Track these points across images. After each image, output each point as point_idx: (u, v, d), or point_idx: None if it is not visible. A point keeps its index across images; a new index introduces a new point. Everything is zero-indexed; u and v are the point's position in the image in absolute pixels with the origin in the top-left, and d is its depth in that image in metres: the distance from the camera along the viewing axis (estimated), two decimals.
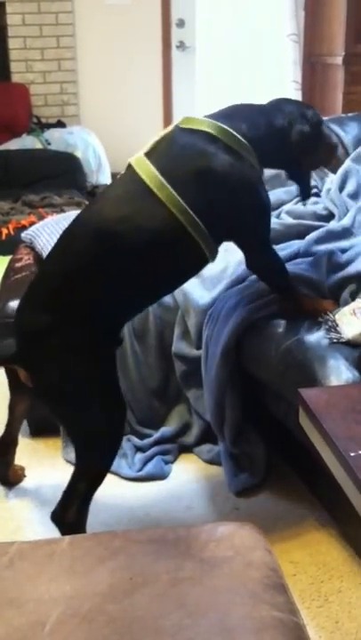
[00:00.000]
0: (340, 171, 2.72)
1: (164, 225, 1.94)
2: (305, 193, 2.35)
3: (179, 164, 2.00)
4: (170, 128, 2.11)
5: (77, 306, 1.95)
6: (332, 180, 2.79)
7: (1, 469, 2.45)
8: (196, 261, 2.07)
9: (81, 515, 2.02)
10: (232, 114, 2.13)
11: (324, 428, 1.15)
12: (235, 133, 2.04)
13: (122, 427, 2.10)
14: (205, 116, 2.10)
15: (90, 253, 1.95)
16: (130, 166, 2.05)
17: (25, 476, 2.51)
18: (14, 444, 2.42)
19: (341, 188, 2.67)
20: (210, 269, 2.38)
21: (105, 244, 1.94)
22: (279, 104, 2.22)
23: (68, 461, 2.57)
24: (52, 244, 2.75)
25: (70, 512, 2.01)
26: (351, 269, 2.28)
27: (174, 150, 2.02)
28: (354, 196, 2.62)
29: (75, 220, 2.08)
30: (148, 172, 1.97)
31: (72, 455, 2.52)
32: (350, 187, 2.64)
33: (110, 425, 2.03)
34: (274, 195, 2.69)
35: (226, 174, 1.99)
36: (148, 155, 2.03)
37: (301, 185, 2.33)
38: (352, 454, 1.07)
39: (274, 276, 2.23)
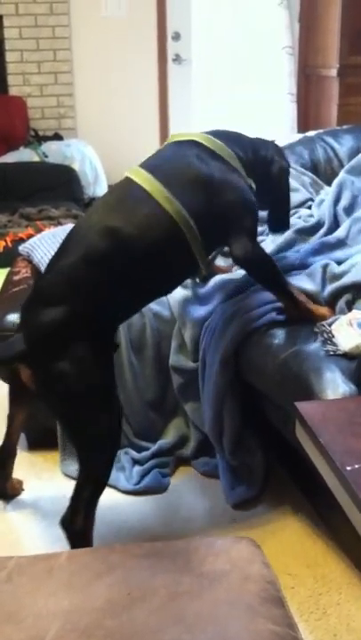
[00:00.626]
0: (335, 182, 2.74)
1: (159, 224, 2.07)
2: (284, 223, 2.50)
3: (172, 168, 2.17)
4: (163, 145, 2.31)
5: (82, 303, 2.02)
6: (327, 191, 2.81)
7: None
8: (188, 263, 2.17)
9: (88, 520, 2.06)
10: (221, 134, 2.29)
11: (320, 442, 1.15)
12: (222, 144, 2.22)
13: (120, 428, 2.16)
14: (196, 132, 2.27)
15: (93, 253, 2.04)
16: (126, 177, 2.19)
17: (23, 489, 2.51)
18: (13, 455, 2.42)
19: (337, 200, 2.68)
20: (205, 287, 2.48)
21: (107, 243, 2.04)
22: (263, 141, 2.43)
23: (67, 475, 2.57)
24: (50, 257, 2.79)
25: (78, 519, 2.04)
26: (347, 280, 2.29)
27: (167, 158, 2.22)
28: (348, 210, 2.63)
29: (78, 222, 2.17)
30: (143, 177, 2.13)
31: (70, 469, 2.54)
32: (345, 200, 2.66)
33: (111, 425, 2.07)
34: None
35: (214, 175, 2.16)
36: (143, 165, 2.21)
37: (281, 215, 2.47)
38: (348, 468, 1.08)
39: (264, 269, 2.26)
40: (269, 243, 2.65)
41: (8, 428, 2.37)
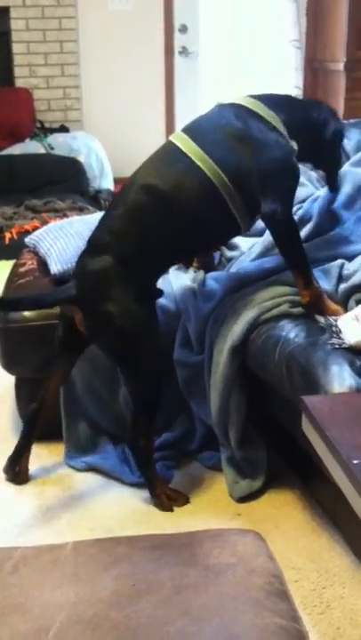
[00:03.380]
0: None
1: (194, 181, 2.23)
2: (335, 187, 2.61)
3: (209, 128, 2.30)
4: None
5: (124, 251, 2.22)
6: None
7: (21, 448, 2.51)
8: (228, 220, 2.29)
9: (149, 440, 2.36)
10: (267, 97, 2.38)
11: (327, 436, 1.15)
12: (263, 105, 2.31)
13: (164, 361, 2.36)
14: (243, 95, 2.38)
15: (134, 207, 2.25)
16: (168, 139, 2.36)
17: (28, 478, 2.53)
18: (42, 419, 2.49)
19: (335, 195, 2.65)
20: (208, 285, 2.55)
21: (145, 198, 2.24)
22: (318, 103, 2.55)
23: (71, 467, 2.57)
24: (56, 249, 2.80)
25: (140, 440, 2.33)
26: (356, 279, 2.29)
27: (207, 119, 2.35)
28: (347, 205, 2.60)
29: (126, 181, 2.36)
30: (180, 138, 2.29)
31: (76, 461, 2.56)
32: (343, 195, 2.62)
33: (155, 357, 2.29)
34: None
35: (251, 133, 2.26)
36: (183, 128, 2.35)
37: (333, 179, 2.60)
38: (355, 462, 1.08)
39: (289, 235, 2.33)
40: (259, 244, 2.65)
41: (48, 380, 2.46)
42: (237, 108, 2.32)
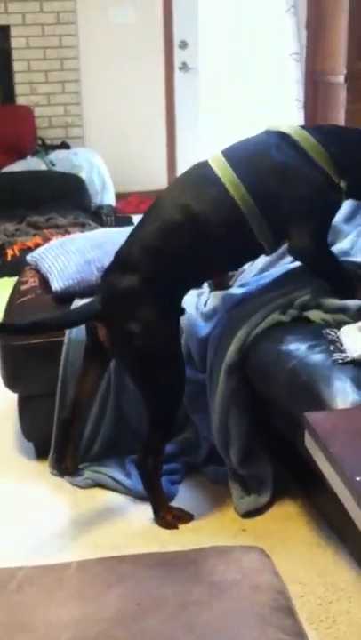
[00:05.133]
0: None
1: (224, 207, 2.23)
2: None
3: (248, 154, 2.29)
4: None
5: (153, 271, 2.22)
6: None
7: (62, 446, 2.57)
8: (253, 245, 2.29)
9: (158, 462, 2.34)
10: (322, 129, 2.36)
11: (330, 452, 1.15)
12: (310, 137, 2.26)
13: (183, 383, 2.34)
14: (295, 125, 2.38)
15: (166, 225, 2.24)
16: (206, 159, 2.32)
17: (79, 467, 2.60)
18: (78, 422, 2.55)
19: None
20: (209, 305, 2.57)
21: (178, 217, 2.23)
22: None
23: (74, 485, 2.56)
24: (57, 267, 2.81)
25: (149, 461, 2.33)
26: None
27: (248, 145, 2.33)
28: (348, 219, 2.61)
29: (158, 197, 2.35)
30: (217, 161, 2.27)
31: (76, 478, 2.56)
32: (344, 210, 2.63)
33: (174, 380, 2.30)
34: None
35: (288, 167, 2.24)
36: (223, 149, 2.33)
37: None
38: (358, 479, 1.08)
39: (321, 268, 2.33)
40: (262, 258, 2.65)
41: (79, 387, 2.51)
42: (282, 138, 2.28)
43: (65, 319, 2.47)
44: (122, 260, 2.29)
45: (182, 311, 2.38)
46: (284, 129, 2.30)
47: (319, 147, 2.25)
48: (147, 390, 2.33)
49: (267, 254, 2.42)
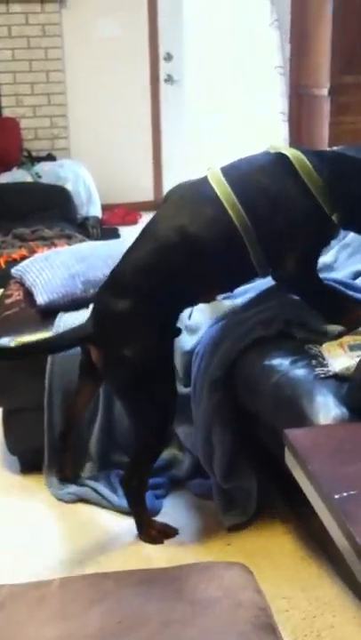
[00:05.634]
0: None
1: (222, 226, 2.19)
2: None
3: (246, 175, 2.25)
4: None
5: (148, 295, 2.19)
6: None
7: (60, 456, 2.58)
8: (248, 265, 2.25)
9: (143, 481, 2.34)
10: (325, 155, 2.35)
11: (309, 470, 1.16)
12: (310, 167, 2.20)
13: (174, 407, 2.32)
14: (298, 148, 2.34)
15: (162, 247, 2.20)
16: (204, 175, 2.29)
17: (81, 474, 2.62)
18: (73, 430, 2.55)
19: None
20: (193, 318, 2.56)
21: (175, 238, 2.19)
22: None
23: (60, 499, 2.56)
24: (42, 280, 2.80)
25: (134, 480, 2.33)
26: None
27: (247, 165, 2.29)
28: None
29: (153, 217, 2.33)
30: (217, 179, 2.23)
31: (61, 492, 2.56)
32: None
33: (165, 405, 2.27)
34: None
35: (281, 194, 2.20)
36: (223, 167, 2.28)
37: None
38: (336, 496, 1.08)
39: (305, 293, 2.31)
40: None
41: (74, 400, 2.50)
42: (281, 161, 2.23)
43: (57, 342, 2.43)
44: (115, 282, 2.25)
45: (178, 332, 2.34)
46: (285, 151, 2.26)
47: (315, 174, 2.20)
48: (136, 413, 2.30)
49: (259, 276, 2.37)
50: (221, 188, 2.21)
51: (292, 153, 2.24)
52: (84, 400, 2.51)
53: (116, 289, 2.23)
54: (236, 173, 2.25)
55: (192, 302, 2.39)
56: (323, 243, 2.34)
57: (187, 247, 2.19)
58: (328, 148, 2.34)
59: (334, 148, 2.28)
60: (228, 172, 2.26)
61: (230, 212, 2.18)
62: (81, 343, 2.33)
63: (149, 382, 2.23)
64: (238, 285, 2.44)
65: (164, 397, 2.27)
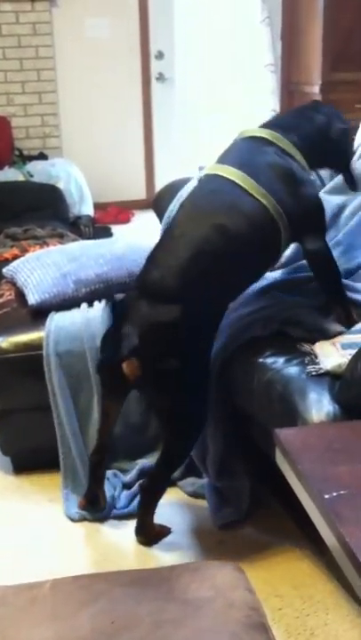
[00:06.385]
0: None
1: (260, 219, 2.18)
2: (353, 184, 2.58)
3: (257, 164, 2.25)
4: (231, 142, 2.40)
5: (194, 301, 2.09)
6: None
7: (93, 485, 2.40)
8: (275, 255, 2.32)
9: (164, 488, 2.30)
10: (282, 124, 2.42)
11: (299, 470, 1.16)
12: (286, 140, 2.32)
13: (205, 420, 2.26)
14: (260, 126, 2.41)
15: (203, 251, 2.12)
16: (212, 175, 2.27)
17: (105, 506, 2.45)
18: (106, 457, 2.40)
19: None
20: None
21: (216, 240, 2.13)
22: (317, 106, 2.52)
23: (69, 517, 2.47)
24: (33, 280, 2.80)
25: (155, 485, 2.29)
26: None
27: (248, 155, 2.30)
28: None
29: (171, 222, 2.30)
30: (235, 174, 2.21)
31: (73, 510, 2.48)
32: None
33: (200, 417, 2.22)
34: None
35: (295, 171, 2.27)
36: (227, 163, 2.28)
37: (348, 177, 2.56)
38: (326, 496, 1.09)
39: (330, 268, 2.35)
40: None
41: (103, 425, 2.37)
42: (272, 146, 2.30)
43: (111, 357, 2.17)
44: (156, 289, 2.11)
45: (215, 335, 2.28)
46: (266, 135, 2.32)
47: (294, 148, 2.31)
48: (171, 426, 2.22)
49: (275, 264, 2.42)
50: (245, 181, 2.19)
51: (270, 135, 2.32)
52: (110, 426, 2.37)
53: (159, 297, 2.10)
54: (246, 164, 2.25)
55: (230, 302, 2.31)
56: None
57: (229, 246, 2.14)
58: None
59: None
60: (237, 164, 2.25)
61: (264, 202, 2.18)
62: (128, 357, 2.10)
63: (192, 392, 2.16)
64: (258, 280, 2.41)
65: (201, 404, 2.20)
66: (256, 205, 2.18)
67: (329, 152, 2.44)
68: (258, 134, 2.34)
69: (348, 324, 2.27)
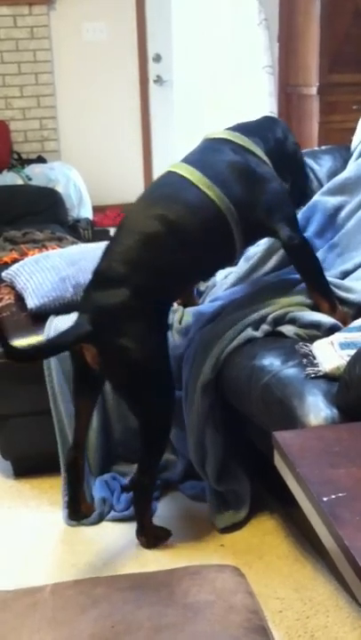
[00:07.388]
0: (307, 206, 2.73)
1: (203, 210, 2.25)
2: (301, 197, 2.66)
3: (210, 160, 2.34)
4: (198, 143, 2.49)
5: (139, 283, 2.17)
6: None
7: (73, 491, 2.35)
8: (229, 249, 2.34)
9: (153, 478, 2.34)
10: (244, 127, 2.49)
11: (297, 472, 1.16)
12: (246, 138, 2.40)
13: (175, 399, 2.32)
14: (224, 130, 2.47)
15: (145, 238, 2.21)
16: (168, 171, 2.38)
17: (94, 509, 2.44)
18: (83, 460, 2.39)
19: (306, 225, 2.68)
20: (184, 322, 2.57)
21: (156, 228, 2.21)
22: (273, 121, 2.64)
23: (68, 524, 2.47)
24: (32, 284, 2.80)
25: (145, 479, 2.31)
26: None
27: (204, 152, 2.39)
28: (319, 234, 2.63)
29: (126, 215, 2.38)
30: (184, 169, 2.31)
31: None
32: (315, 225, 2.65)
33: (167, 397, 2.27)
34: None
35: (251, 166, 2.33)
36: (183, 160, 2.38)
37: (298, 190, 2.61)
38: (325, 499, 1.09)
39: (308, 257, 2.40)
40: (233, 274, 2.67)
41: (77, 424, 2.35)
42: (230, 144, 2.37)
43: (58, 342, 2.26)
44: (103, 277, 2.22)
45: (169, 326, 2.36)
46: (226, 136, 2.40)
47: (256, 147, 2.39)
48: (142, 408, 2.26)
49: (234, 260, 2.45)
50: (194, 174, 2.27)
51: (230, 135, 2.40)
52: (85, 423, 2.37)
53: (106, 283, 2.19)
54: (201, 161, 2.33)
55: (180, 291, 2.45)
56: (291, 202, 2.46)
57: (172, 235, 2.21)
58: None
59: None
60: (192, 161, 2.34)
61: (210, 194, 2.24)
62: (78, 342, 2.19)
63: (152, 372, 2.21)
64: (218, 270, 2.56)
65: (167, 387, 2.26)
66: (200, 197, 2.25)
67: (285, 161, 2.51)
68: (219, 136, 2.42)
69: (335, 314, 2.29)
